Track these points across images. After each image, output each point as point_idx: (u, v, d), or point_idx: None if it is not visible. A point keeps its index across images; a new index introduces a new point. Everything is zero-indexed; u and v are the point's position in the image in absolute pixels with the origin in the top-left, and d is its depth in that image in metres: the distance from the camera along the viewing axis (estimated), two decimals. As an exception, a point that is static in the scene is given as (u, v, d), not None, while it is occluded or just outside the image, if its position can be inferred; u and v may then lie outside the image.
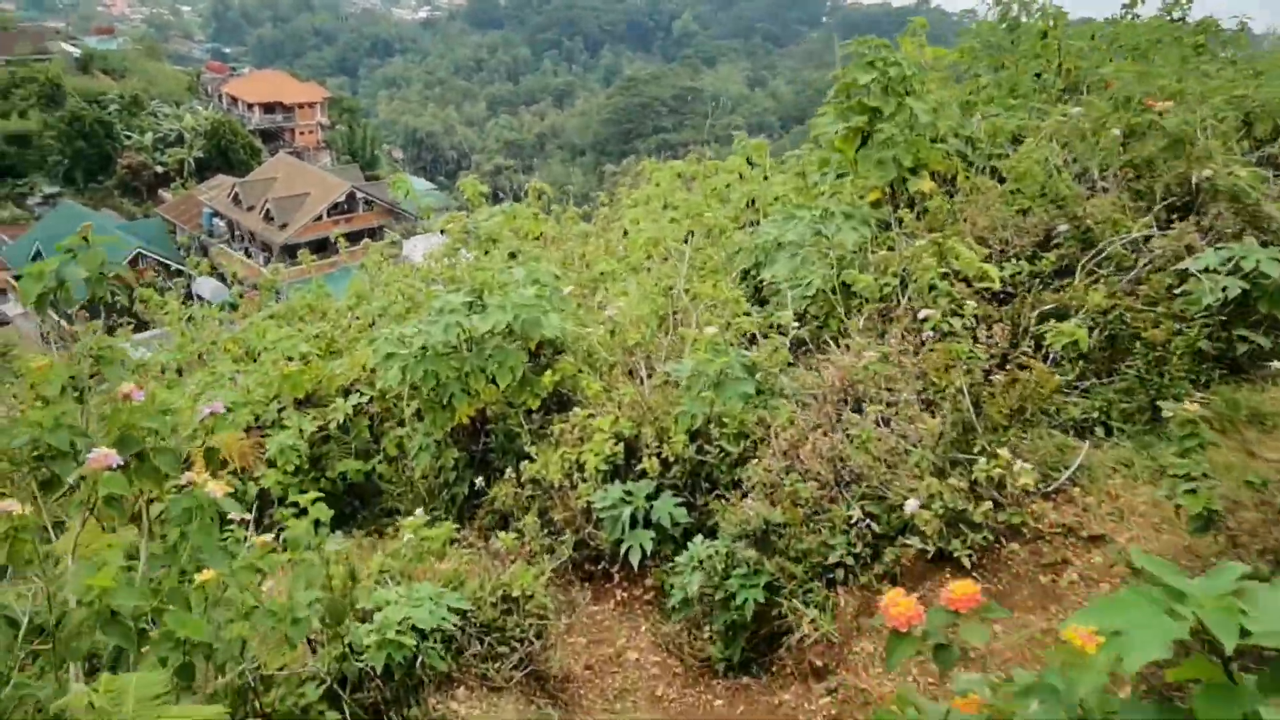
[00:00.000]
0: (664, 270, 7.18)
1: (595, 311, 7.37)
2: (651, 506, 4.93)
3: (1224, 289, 4.47)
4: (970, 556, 3.73)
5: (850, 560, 3.82)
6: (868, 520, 3.90)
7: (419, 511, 4.24)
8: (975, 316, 4.87)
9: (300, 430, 6.22)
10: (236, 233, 51.85)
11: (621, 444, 5.23)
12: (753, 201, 8.64)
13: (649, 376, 5.85)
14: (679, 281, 6.61)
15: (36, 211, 55.40)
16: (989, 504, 3.69)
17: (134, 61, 75.15)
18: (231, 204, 51.46)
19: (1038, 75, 7.35)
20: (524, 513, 5.40)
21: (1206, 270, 4.65)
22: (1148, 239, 5.49)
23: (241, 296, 8.95)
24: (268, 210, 49.38)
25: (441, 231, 9.00)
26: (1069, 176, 6.38)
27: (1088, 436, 4.42)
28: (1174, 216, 5.86)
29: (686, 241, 7.69)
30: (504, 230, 8.35)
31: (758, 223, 8.56)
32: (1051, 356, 4.71)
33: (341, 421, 6.48)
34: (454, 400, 5.62)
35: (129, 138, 60.77)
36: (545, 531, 5.20)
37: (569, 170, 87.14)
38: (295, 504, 3.49)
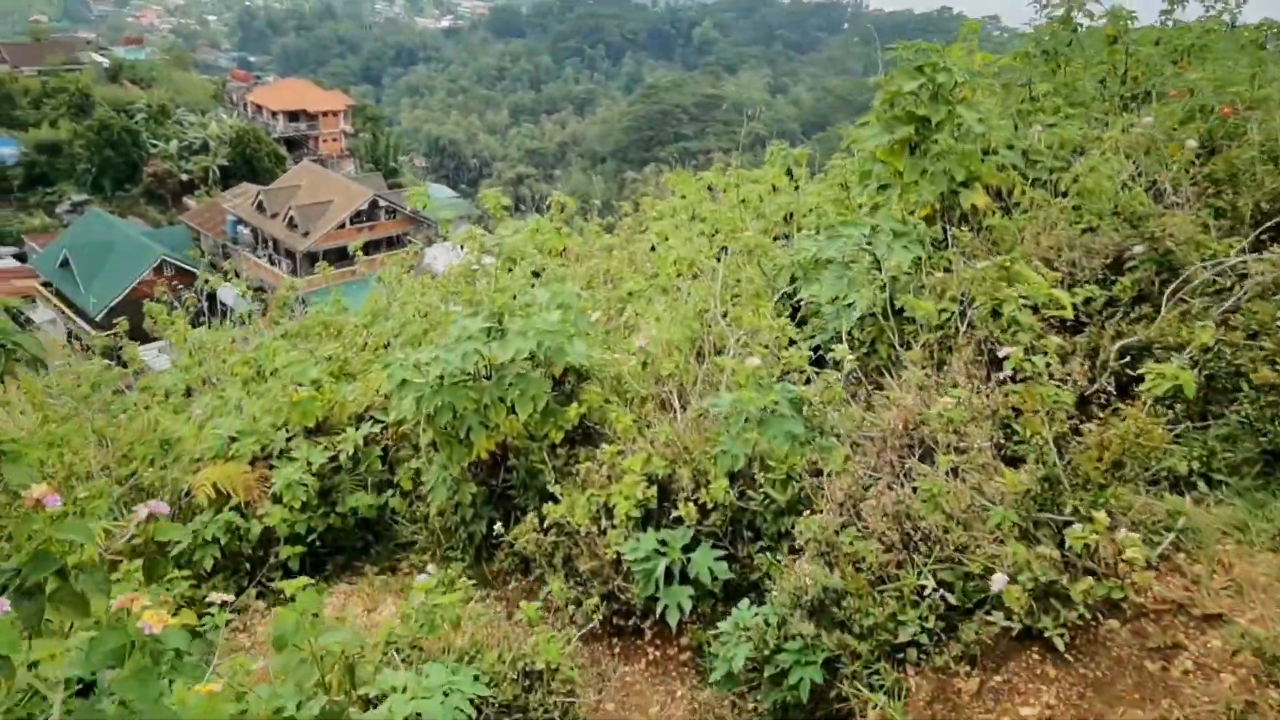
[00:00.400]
0: (697, 290, 6.71)
1: (623, 333, 6.93)
2: (689, 559, 4.46)
3: (1340, 322, 3.95)
4: (1063, 636, 3.23)
5: (923, 638, 3.33)
6: (941, 590, 3.41)
7: (431, 568, 3.81)
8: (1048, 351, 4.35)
9: (309, 463, 5.83)
10: (260, 240, 52.15)
11: (654, 486, 4.78)
12: (790, 215, 8.17)
13: (684, 410, 5.39)
14: (714, 305, 6.14)
15: (65, 219, 56.26)
16: (1089, 579, 3.19)
17: (161, 71, 76.30)
18: (255, 211, 51.82)
19: (1101, 82, 6.82)
20: (547, 559, 4.96)
21: (1317, 300, 4.14)
22: (1237, 263, 4.95)
23: (251, 314, 8.60)
24: (291, 217, 49.64)
25: (461, 246, 8.62)
26: (1141, 191, 5.85)
27: (1186, 491, 3.89)
28: (1264, 236, 5.32)
29: (719, 260, 7.22)
30: (527, 246, 7.94)
31: (789, 236, 8.07)
32: (1138, 398, 4.18)
33: (352, 452, 6.08)
34: (471, 434, 5.20)
35: (155, 146, 61.64)
36: (571, 582, 4.76)
37: (590, 178, 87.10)
38: (288, 567, 3.06)
